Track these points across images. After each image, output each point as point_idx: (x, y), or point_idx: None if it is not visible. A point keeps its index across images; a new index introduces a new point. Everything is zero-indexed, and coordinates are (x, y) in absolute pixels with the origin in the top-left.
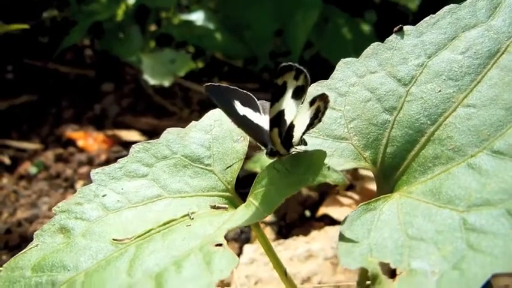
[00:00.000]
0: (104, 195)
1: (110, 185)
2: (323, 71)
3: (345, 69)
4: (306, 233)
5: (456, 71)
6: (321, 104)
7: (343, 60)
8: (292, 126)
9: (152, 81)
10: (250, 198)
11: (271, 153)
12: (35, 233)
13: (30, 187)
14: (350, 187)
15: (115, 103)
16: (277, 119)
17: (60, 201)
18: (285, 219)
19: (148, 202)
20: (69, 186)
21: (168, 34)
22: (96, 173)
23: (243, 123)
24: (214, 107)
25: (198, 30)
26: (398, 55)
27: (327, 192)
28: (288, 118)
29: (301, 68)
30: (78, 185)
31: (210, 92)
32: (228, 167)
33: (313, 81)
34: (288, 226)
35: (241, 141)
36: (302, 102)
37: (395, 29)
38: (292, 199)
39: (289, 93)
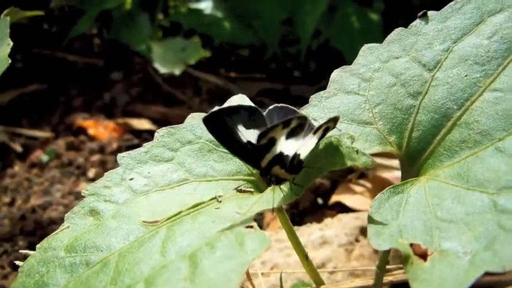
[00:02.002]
0: (131, 179)
1: (136, 169)
2: (330, 60)
3: (368, 54)
4: (319, 220)
5: (482, 55)
6: (331, 125)
7: (366, 45)
8: (297, 155)
9: (163, 70)
10: None
11: (277, 182)
12: (66, 215)
13: (43, 175)
14: (362, 175)
15: (124, 92)
16: (274, 162)
17: (73, 189)
18: (298, 207)
19: (175, 186)
20: (81, 174)
21: (176, 23)
22: (122, 157)
23: (245, 152)
24: (227, 96)
25: (207, 18)
26: (422, 40)
27: (338, 180)
28: (290, 151)
29: (289, 117)
30: (91, 173)
31: (207, 125)
32: None
33: (320, 71)
34: (300, 214)
35: None
36: (309, 131)
37: (419, 14)
38: None
39: (281, 140)
